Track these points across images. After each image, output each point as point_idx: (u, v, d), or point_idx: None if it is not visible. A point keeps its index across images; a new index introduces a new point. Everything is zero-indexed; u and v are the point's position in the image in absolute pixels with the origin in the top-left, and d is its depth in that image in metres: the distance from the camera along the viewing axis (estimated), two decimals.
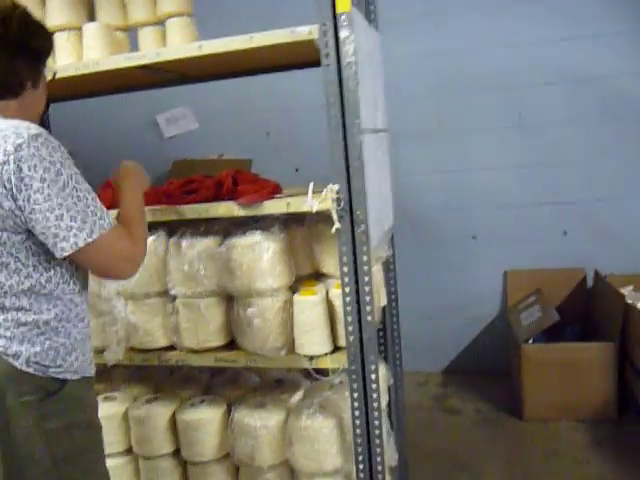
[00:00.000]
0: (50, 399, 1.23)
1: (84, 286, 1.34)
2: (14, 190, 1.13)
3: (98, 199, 1.22)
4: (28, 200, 1.14)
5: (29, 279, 1.20)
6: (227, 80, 2.24)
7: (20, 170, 1.13)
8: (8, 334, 1.21)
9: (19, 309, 1.21)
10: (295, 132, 3.51)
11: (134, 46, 2.04)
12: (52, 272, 1.23)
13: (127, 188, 1.43)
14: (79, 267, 1.29)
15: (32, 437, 1.20)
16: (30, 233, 1.18)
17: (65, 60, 1.93)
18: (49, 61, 1.40)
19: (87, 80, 1.89)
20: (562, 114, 3.18)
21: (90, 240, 1.17)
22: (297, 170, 3.45)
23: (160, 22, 1.94)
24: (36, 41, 1.29)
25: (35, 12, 1.92)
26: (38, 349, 1.22)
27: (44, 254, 1.21)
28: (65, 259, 1.22)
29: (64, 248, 1.16)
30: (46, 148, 1.16)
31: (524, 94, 3.21)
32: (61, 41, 1.95)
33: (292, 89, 3.26)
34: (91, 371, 1.36)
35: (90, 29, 1.91)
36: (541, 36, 3.13)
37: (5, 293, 1.20)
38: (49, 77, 1.43)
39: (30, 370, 1.21)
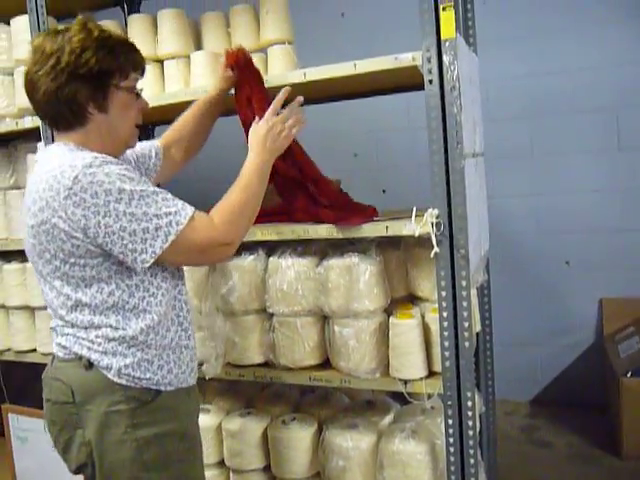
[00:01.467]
0: (143, 409, 1.26)
1: (177, 296, 1.34)
2: (83, 221, 1.16)
3: (168, 195, 1.22)
4: (99, 226, 1.16)
5: (112, 297, 1.24)
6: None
7: (84, 201, 1.15)
8: (100, 349, 1.25)
9: (108, 326, 1.25)
10: (382, 154, 3.53)
11: None
12: (134, 288, 1.25)
13: (248, 158, 1.43)
14: (168, 279, 1.31)
15: (123, 443, 1.24)
16: (107, 254, 1.21)
17: (174, 86, 2.05)
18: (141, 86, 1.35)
19: None
20: None
21: (166, 245, 1.19)
22: (384, 192, 3.46)
23: (262, 49, 2.03)
24: (92, 63, 1.23)
25: (146, 40, 2.08)
26: (128, 361, 1.25)
27: (126, 271, 1.24)
28: (149, 270, 1.25)
29: (144, 260, 1.20)
30: (102, 171, 1.17)
31: (623, 115, 3.08)
32: (170, 69, 2.08)
33: (380, 111, 3.28)
34: (190, 381, 1.37)
35: (198, 57, 2.02)
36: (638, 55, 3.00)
37: (94, 311, 1.24)
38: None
39: (122, 381, 1.25)
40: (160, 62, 2.12)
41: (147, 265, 1.21)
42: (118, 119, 1.30)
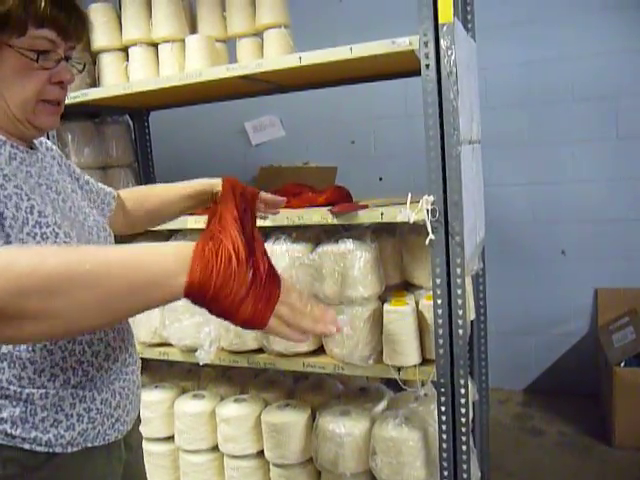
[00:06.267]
0: (29, 476, 0.93)
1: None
2: None
3: None
4: None
5: None
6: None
7: None
8: None
9: None
10: (380, 141, 3.52)
11: (231, 56, 2.12)
12: None
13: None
14: None
15: None
16: None
17: (168, 70, 2.03)
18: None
19: (187, 90, 1.97)
20: None
21: None
22: (381, 179, 3.44)
23: (258, 33, 2.01)
24: None
25: (140, 23, 2.05)
26: (6, 415, 0.91)
27: None
28: None
29: None
30: None
31: (622, 104, 3.06)
32: (165, 52, 2.05)
33: (378, 99, 3.27)
34: (109, 436, 1.02)
35: (192, 41, 1.99)
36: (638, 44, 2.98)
37: None
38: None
39: None
40: (154, 46, 2.09)
41: None
42: (3, 86, 0.93)
